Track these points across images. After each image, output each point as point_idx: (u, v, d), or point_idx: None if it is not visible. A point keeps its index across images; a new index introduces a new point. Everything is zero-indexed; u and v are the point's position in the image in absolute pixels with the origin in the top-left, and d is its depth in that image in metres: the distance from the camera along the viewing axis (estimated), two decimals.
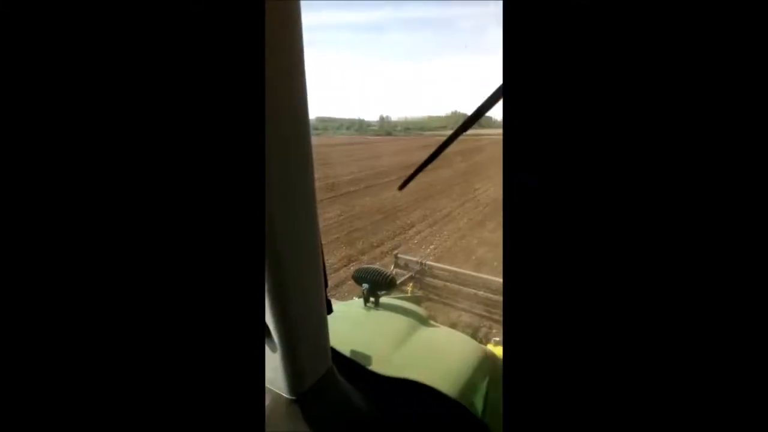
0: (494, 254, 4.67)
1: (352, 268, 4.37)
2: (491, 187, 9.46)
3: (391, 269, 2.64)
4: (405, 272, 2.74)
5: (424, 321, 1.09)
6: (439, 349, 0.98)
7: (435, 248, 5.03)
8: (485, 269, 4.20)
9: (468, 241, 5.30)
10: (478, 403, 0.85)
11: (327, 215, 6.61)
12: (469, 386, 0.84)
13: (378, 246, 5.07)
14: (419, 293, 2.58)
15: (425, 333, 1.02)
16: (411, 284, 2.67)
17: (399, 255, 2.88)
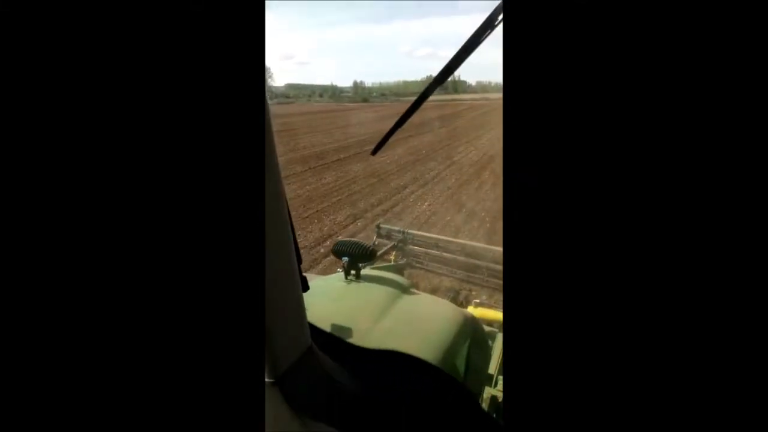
0: (481, 206, 5.37)
1: (359, 224, 4.94)
2: (472, 150, 10.13)
3: (374, 239, 2.75)
4: (387, 242, 2.71)
5: (405, 289, 1.09)
6: (420, 316, 0.99)
7: (429, 205, 5.65)
8: (475, 219, 4.89)
9: (458, 197, 5.96)
10: (460, 366, 0.88)
11: (324, 181, 7.09)
12: (451, 351, 0.86)
13: (378, 205, 5.63)
14: (402, 262, 2.64)
15: (406, 301, 1.02)
16: (394, 253, 2.65)
17: (381, 225, 2.88)
